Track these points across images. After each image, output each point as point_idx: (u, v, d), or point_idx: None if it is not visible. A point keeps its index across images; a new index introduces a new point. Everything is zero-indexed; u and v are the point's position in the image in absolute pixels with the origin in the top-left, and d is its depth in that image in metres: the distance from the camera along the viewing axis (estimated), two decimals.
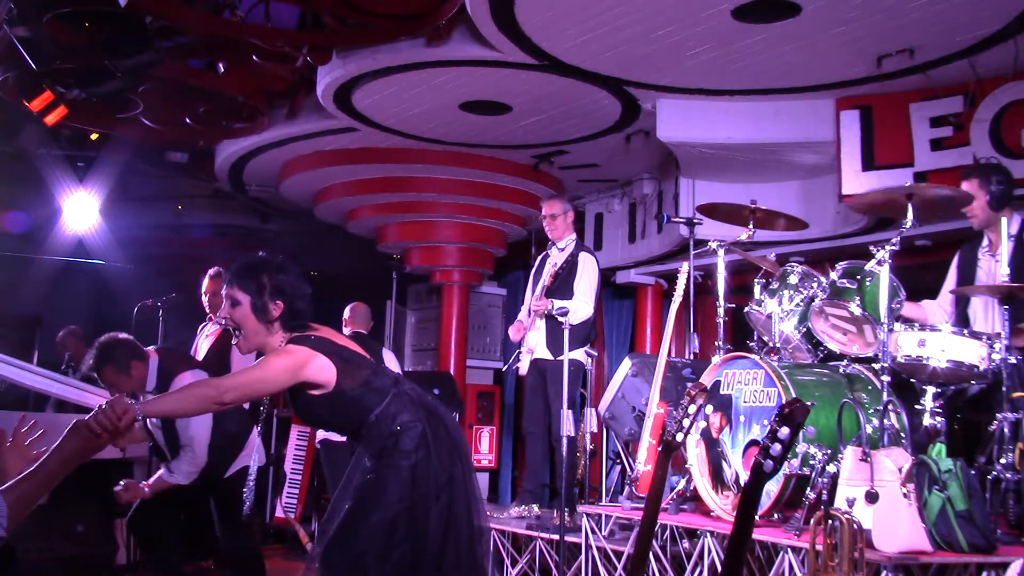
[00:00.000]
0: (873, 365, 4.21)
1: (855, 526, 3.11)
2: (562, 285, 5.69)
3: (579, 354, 5.61)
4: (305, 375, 2.92)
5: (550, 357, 5.67)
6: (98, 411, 2.48)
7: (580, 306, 5.58)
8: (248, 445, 4.72)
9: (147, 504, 4.64)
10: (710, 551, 4.05)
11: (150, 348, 4.62)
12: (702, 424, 4.39)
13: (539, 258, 6.09)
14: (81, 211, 8.24)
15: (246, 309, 2.95)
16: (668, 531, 4.60)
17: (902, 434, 4.02)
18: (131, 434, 4.13)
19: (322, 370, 2.93)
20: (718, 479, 4.33)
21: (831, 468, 3.86)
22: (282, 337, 2.99)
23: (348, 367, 2.98)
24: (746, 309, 4.82)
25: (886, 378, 3.96)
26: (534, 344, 5.76)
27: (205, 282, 6.07)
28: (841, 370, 4.33)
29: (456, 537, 2.99)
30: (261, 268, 2.99)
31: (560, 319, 5.23)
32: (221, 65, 6.36)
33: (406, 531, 2.92)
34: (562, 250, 5.87)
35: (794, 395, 3.94)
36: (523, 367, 5.82)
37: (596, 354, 6.14)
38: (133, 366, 4.35)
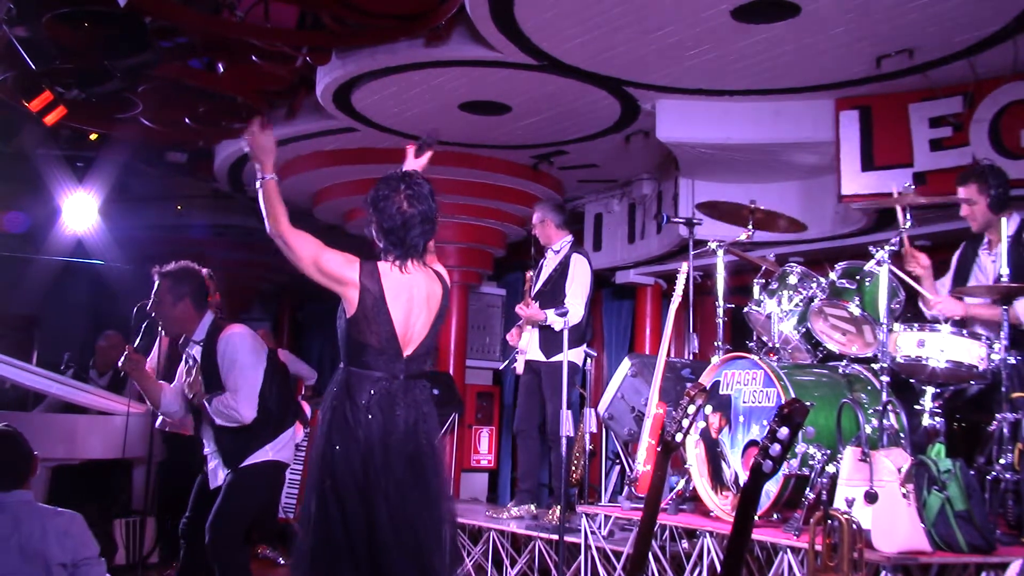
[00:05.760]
0: (872, 365, 4.22)
1: (854, 526, 3.10)
2: (554, 288, 5.75)
3: (574, 354, 5.61)
4: (337, 289, 3.10)
5: (543, 358, 5.73)
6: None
7: (569, 313, 5.57)
8: (282, 437, 4.23)
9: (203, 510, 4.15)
10: (709, 551, 4.05)
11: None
12: (701, 424, 4.39)
13: (541, 261, 6.09)
14: (80, 211, 8.24)
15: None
16: (668, 531, 4.60)
17: (901, 434, 4.02)
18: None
19: (346, 298, 3.10)
20: (717, 479, 4.33)
21: (830, 468, 3.86)
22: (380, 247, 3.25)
23: (368, 319, 3.10)
24: (745, 309, 4.82)
25: (885, 378, 3.97)
26: (526, 345, 5.81)
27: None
28: (840, 370, 4.33)
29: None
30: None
31: (555, 327, 5.38)
32: (221, 65, 6.36)
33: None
34: (557, 252, 5.91)
35: (793, 395, 3.94)
36: (519, 367, 5.89)
37: (596, 354, 6.14)
38: None
